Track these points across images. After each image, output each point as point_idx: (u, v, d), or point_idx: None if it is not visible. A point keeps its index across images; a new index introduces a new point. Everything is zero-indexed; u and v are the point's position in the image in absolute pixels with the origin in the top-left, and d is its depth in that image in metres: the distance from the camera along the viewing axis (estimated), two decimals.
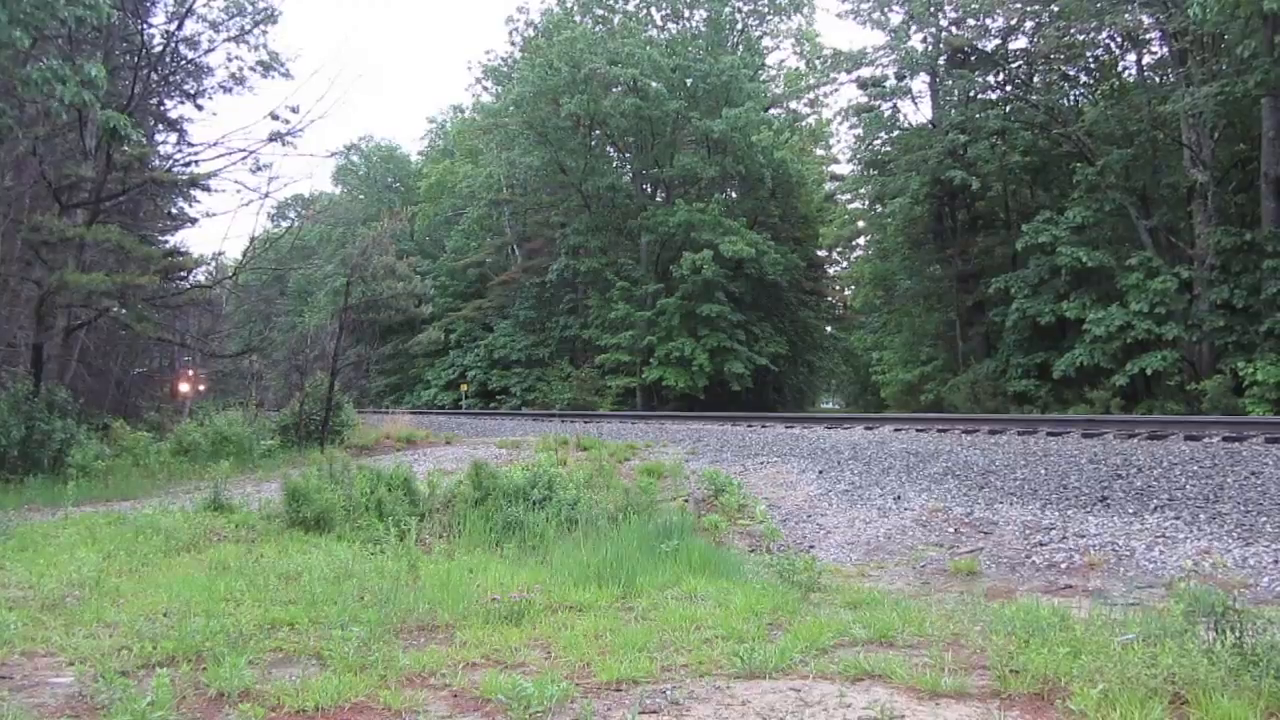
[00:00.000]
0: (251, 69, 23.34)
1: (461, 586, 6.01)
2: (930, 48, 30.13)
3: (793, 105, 45.78)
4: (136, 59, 21.54)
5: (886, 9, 30.62)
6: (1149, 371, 22.48)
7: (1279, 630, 3.99)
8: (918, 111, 33.10)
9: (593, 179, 41.07)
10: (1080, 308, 24.05)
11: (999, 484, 10.91)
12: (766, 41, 47.02)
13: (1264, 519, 8.29)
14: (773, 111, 42.29)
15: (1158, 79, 26.66)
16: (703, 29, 43.64)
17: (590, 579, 6.41)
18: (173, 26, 22.12)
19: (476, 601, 5.62)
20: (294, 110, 21.40)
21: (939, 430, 15.57)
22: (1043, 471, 11.03)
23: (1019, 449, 12.49)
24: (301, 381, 19.91)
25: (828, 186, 44.05)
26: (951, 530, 9.54)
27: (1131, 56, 27.67)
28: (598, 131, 42.30)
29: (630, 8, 44.46)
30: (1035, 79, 29.18)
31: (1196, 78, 21.95)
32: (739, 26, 45.08)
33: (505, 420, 30.09)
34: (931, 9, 29.34)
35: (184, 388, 32.33)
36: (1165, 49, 25.42)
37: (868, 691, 3.89)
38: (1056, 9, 25.56)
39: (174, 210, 27.75)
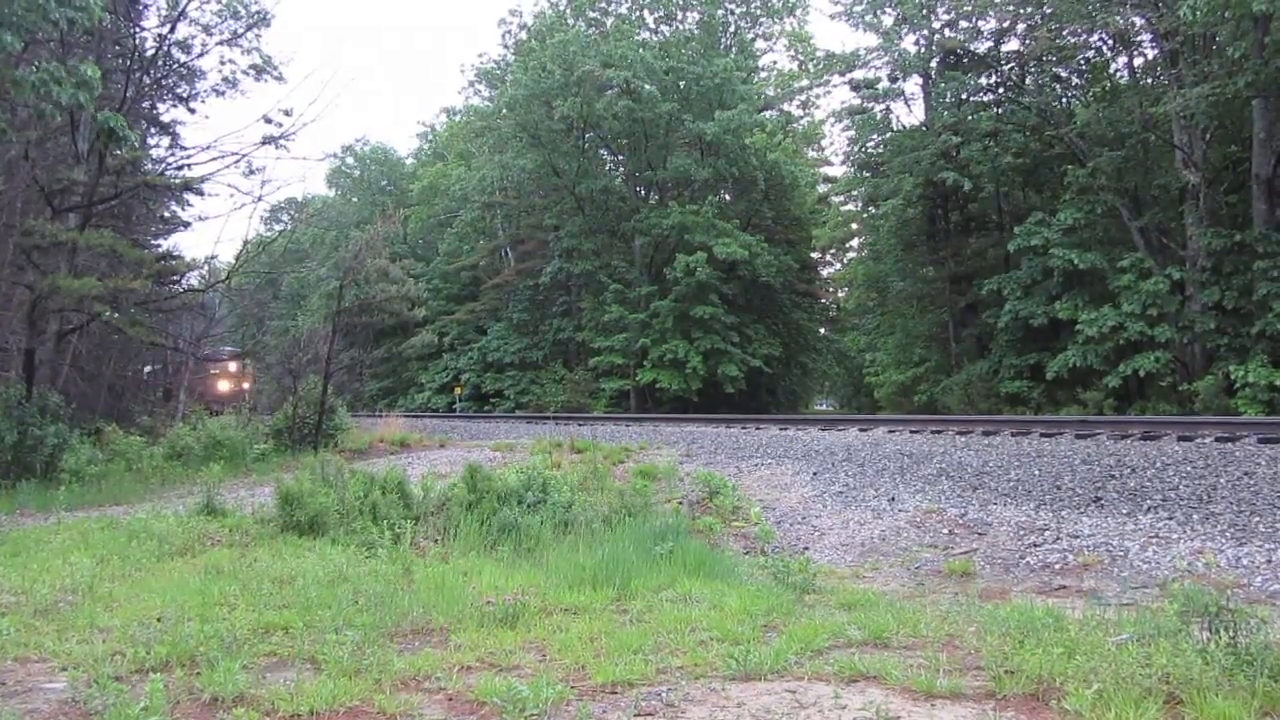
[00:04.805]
0: (244, 72, 23.36)
1: (456, 590, 6.00)
2: (923, 50, 30.21)
3: (786, 107, 45.90)
4: (129, 62, 21.51)
5: (879, 11, 30.70)
6: (1141, 373, 22.55)
7: (1272, 630, 4.01)
8: (910, 113, 33.33)
9: (586, 181, 41.06)
10: (1072, 309, 24.11)
11: (993, 485, 10.92)
12: (759, 44, 47.17)
13: (1257, 519, 8.32)
14: (766, 113, 42.37)
15: (1149, 81, 26.76)
16: (696, 31, 43.71)
17: (585, 581, 6.40)
18: (165, 30, 22.08)
19: (471, 604, 5.61)
20: (287, 113, 21.52)
21: (933, 431, 15.59)
22: (1036, 472, 11.05)
23: (1012, 450, 12.51)
24: (295, 385, 19.86)
25: (821, 188, 44.16)
26: (946, 531, 9.55)
27: (1123, 59, 27.78)
28: (591, 134, 42.31)
29: (623, 10, 44.51)
30: (1027, 81, 29.28)
31: (1188, 79, 22.04)
32: (732, 29, 45.16)
33: (499, 423, 30.06)
34: (924, 11, 29.44)
35: (223, 386, 30.78)
36: (1156, 51, 25.53)
37: (863, 693, 3.89)
38: (1048, 11, 25.67)
39: (167, 214, 27.69)
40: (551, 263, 42.11)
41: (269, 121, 21.21)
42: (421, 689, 4.12)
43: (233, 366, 31.42)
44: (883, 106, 32.42)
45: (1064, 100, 29.82)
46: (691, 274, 35.11)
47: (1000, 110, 29.71)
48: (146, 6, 22.62)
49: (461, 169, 48.79)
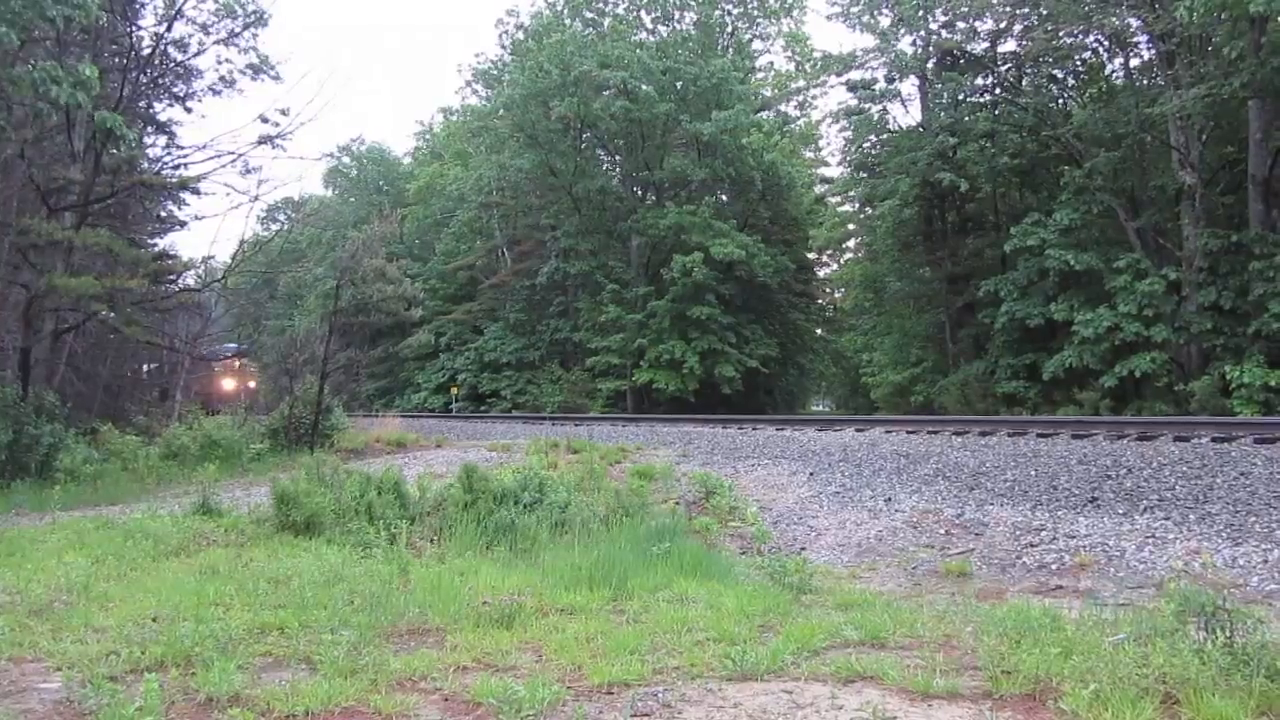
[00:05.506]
0: (241, 72, 23.28)
1: (452, 590, 5.99)
2: (920, 50, 30.21)
3: (783, 108, 45.90)
4: (125, 61, 21.46)
5: (876, 12, 30.71)
6: (1138, 373, 22.54)
7: (1269, 629, 4.01)
8: (907, 114, 33.26)
9: (583, 181, 41.05)
10: (1069, 309, 24.13)
11: (989, 485, 10.93)
12: (756, 44, 47.17)
13: (1253, 519, 8.33)
14: (762, 114, 42.41)
15: (1146, 82, 26.78)
16: (693, 32, 43.69)
17: (581, 582, 6.38)
18: (162, 29, 22.05)
19: (467, 605, 5.60)
20: (284, 113, 21.44)
21: (929, 432, 15.59)
22: (1033, 473, 11.06)
23: (1009, 450, 12.52)
24: (291, 385, 19.84)
25: (818, 189, 44.17)
26: (942, 532, 9.55)
27: (1119, 60, 27.83)
28: (588, 134, 42.32)
29: (620, 10, 44.50)
30: (1024, 82, 29.31)
31: (1184, 80, 22.06)
32: (729, 29, 45.17)
33: (496, 423, 30.05)
34: (921, 12, 29.44)
35: (228, 384, 30.74)
36: (1153, 52, 25.55)
37: (860, 693, 3.89)
38: (1045, 12, 25.68)
39: (163, 213, 27.63)
40: (548, 263, 42.10)
41: (265, 121, 21.22)
42: (417, 689, 4.11)
43: (238, 365, 31.37)
44: (879, 107, 32.39)
45: (1061, 101, 29.84)
46: (688, 274, 35.11)
47: (997, 111, 29.72)
48: (143, 5, 22.63)
49: (459, 169, 48.77)
